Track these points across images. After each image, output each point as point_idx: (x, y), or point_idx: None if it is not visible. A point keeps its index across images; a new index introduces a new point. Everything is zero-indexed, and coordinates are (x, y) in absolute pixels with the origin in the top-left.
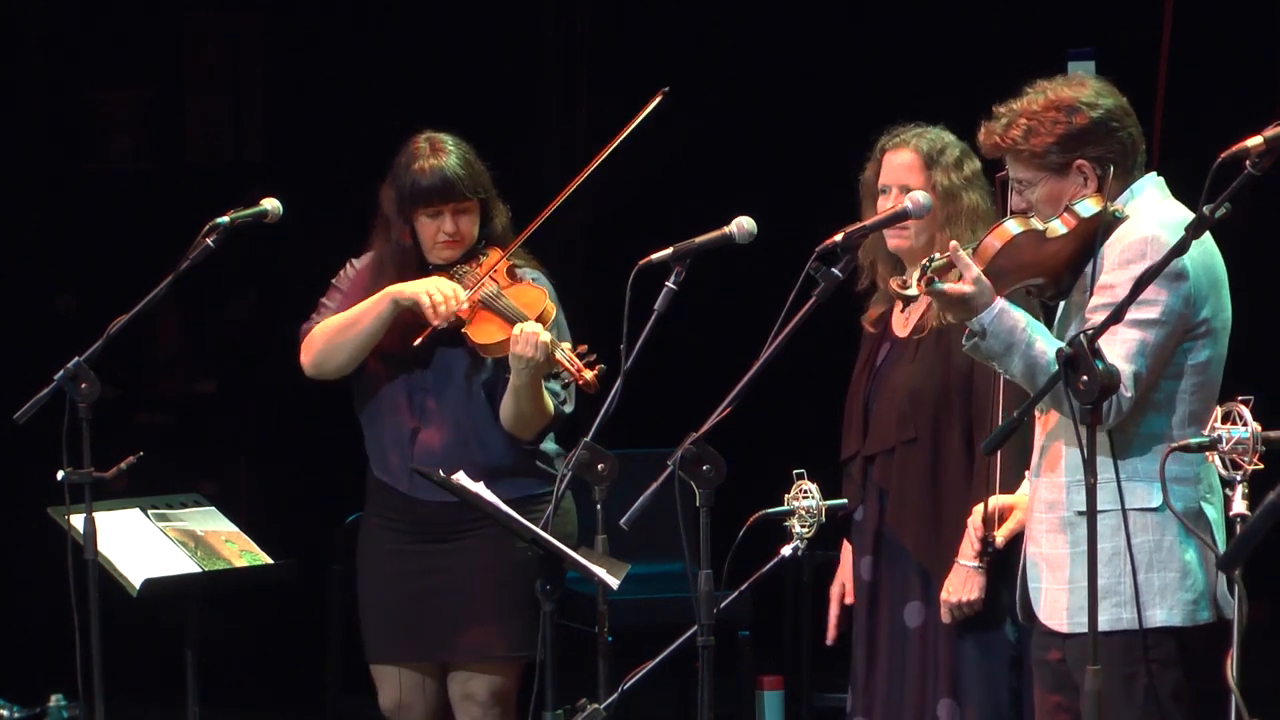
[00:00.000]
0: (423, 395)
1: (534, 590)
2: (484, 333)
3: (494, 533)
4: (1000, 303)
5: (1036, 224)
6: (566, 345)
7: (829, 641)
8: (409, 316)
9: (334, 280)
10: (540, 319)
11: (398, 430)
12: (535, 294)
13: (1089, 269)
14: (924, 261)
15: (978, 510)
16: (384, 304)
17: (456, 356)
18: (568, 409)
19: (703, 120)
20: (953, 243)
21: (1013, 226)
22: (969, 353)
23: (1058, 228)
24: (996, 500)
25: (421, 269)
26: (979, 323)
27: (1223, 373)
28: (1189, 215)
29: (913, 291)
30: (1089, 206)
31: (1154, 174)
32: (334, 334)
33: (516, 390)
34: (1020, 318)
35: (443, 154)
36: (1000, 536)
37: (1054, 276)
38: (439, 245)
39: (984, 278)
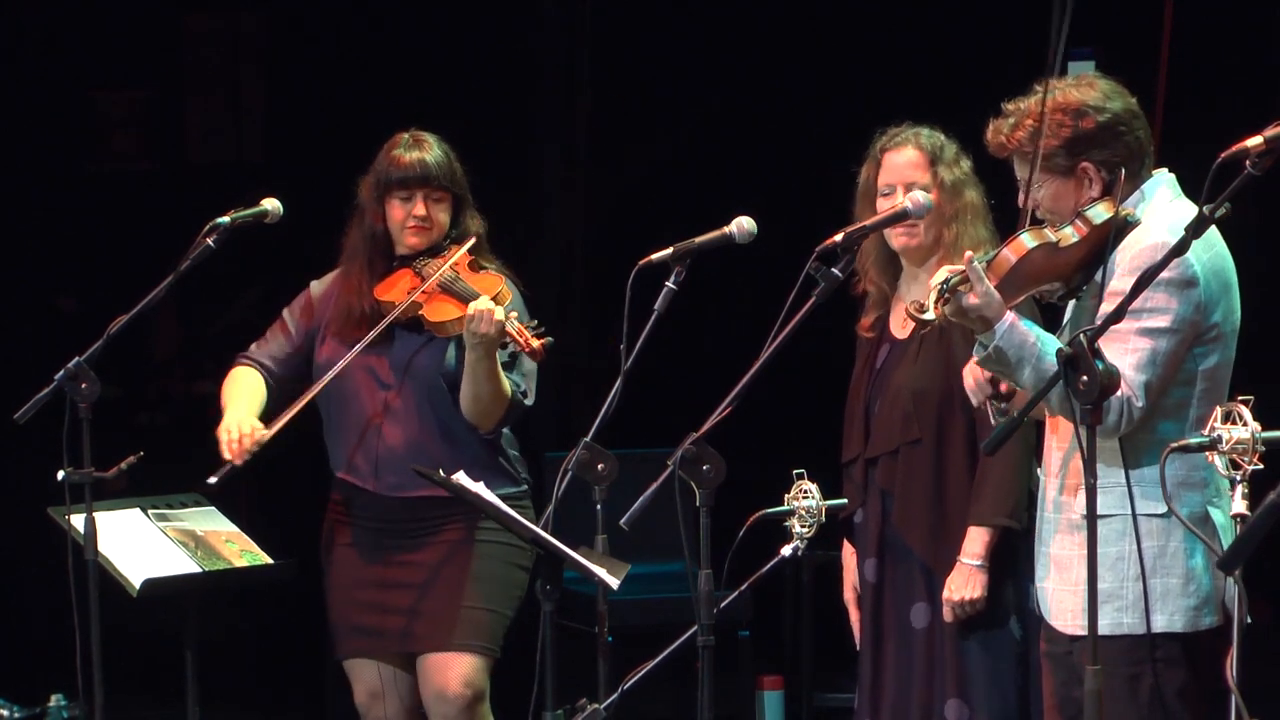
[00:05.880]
0: (384, 391)
1: (502, 586)
2: (439, 312)
3: (461, 530)
4: (1009, 317)
5: (1050, 234)
6: (515, 315)
7: (860, 646)
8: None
9: (286, 309)
10: (495, 300)
11: (361, 426)
12: (492, 279)
13: (1100, 275)
14: (938, 284)
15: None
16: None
17: (418, 351)
18: (528, 401)
19: (703, 120)
20: (968, 253)
21: (1028, 240)
22: (979, 365)
23: (1070, 235)
24: None
25: (388, 257)
26: (989, 337)
27: (1230, 376)
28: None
29: (930, 315)
30: (1100, 213)
31: (1164, 171)
32: (223, 397)
33: (473, 368)
34: (1029, 331)
35: (424, 145)
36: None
37: (1065, 279)
38: (407, 230)
39: (993, 291)
